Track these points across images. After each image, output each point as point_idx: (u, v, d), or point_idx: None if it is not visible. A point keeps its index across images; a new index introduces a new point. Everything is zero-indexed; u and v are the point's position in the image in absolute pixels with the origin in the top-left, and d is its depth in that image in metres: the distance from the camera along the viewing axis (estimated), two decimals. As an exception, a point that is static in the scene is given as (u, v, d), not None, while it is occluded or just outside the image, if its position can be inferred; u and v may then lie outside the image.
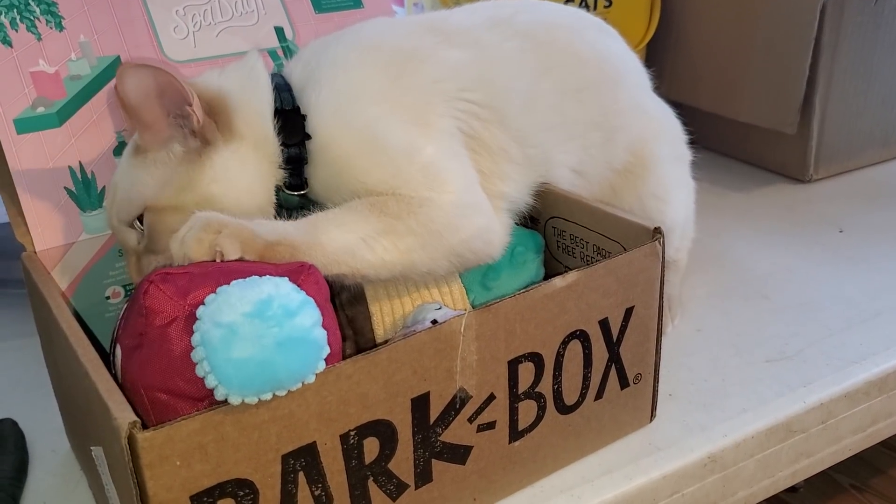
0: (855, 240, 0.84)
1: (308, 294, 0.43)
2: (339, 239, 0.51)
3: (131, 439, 0.38)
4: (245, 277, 0.43)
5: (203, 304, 0.41)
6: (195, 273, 0.45)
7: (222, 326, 0.39)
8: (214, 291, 0.42)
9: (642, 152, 0.67)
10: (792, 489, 1.82)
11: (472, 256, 0.55)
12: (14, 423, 0.61)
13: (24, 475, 0.58)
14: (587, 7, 0.96)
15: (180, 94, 0.51)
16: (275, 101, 0.55)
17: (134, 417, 0.38)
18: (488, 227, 0.56)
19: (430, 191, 0.54)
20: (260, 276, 0.43)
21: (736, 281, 0.77)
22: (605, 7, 0.97)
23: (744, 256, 0.82)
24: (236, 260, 0.47)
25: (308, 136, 0.55)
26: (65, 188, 0.58)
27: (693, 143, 1.07)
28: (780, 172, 0.99)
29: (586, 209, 0.59)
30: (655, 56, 1.05)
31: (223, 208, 0.51)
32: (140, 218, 0.53)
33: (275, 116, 0.55)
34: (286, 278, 0.43)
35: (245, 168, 0.54)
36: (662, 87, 1.07)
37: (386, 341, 0.47)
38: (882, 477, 1.82)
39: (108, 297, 0.60)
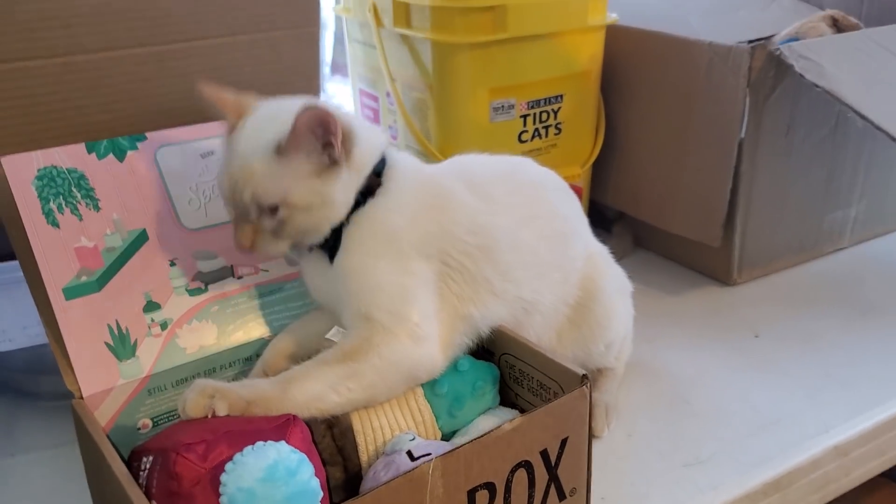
0: (767, 345, 0.98)
1: (297, 444, 0.56)
2: (309, 390, 0.66)
3: (179, 579, 0.51)
4: (246, 435, 0.56)
5: (224, 471, 0.54)
6: (210, 440, 0.58)
7: (243, 490, 0.53)
8: (227, 454, 0.55)
9: (590, 288, 0.81)
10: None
11: (423, 377, 0.71)
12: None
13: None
14: (540, 136, 1.10)
15: (331, 128, 0.66)
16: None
17: (182, 563, 0.51)
18: (433, 357, 0.71)
19: (392, 323, 0.69)
20: (257, 431, 0.56)
21: (664, 386, 0.91)
22: (556, 134, 1.11)
23: (672, 362, 0.95)
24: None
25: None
26: (104, 343, 0.71)
27: (638, 244, 1.23)
28: (710, 275, 1.13)
29: (530, 351, 0.73)
30: (601, 173, 1.19)
31: (334, 215, 0.69)
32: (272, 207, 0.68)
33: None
34: (283, 441, 0.56)
35: (349, 189, 0.70)
36: (608, 198, 1.22)
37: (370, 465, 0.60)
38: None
39: (139, 429, 0.72)
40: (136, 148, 0.76)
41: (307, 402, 0.66)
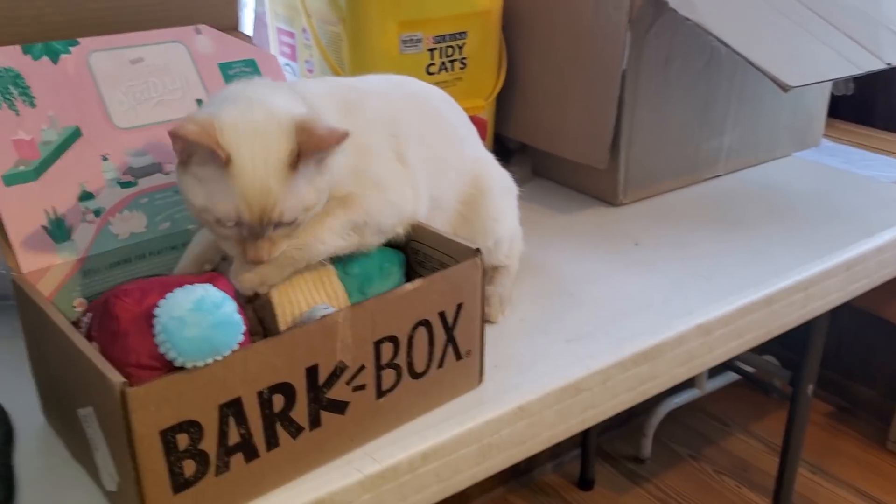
0: (645, 251, 1.10)
1: (222, 289, 0.65)
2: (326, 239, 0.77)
3: (123, 393, 0.59)
4: (176, 285, 0.64)
5: (157, 305, 0.62)
6: (144, 288, 0.66)
7: (175, 319, 0.61)
8: (160, 297, 0.63)
9: (480, 187, 0.91)
10: (640, 460, 2.12)
11: (408, 214, 0.82)
12: (-2, 402, 0.79)
13: (12, 443, 0.77)
14: (447, 69, 1.20)
15: (330, 143, 0.70)
16: None
17: (124, 379, 0.59)
18: (414, 209, 0.83)
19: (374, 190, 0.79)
20: (185, 281, 0.64)
21: (553, 283, 1.02)
22: (461, 68, 1.21)
23: (561, 264, 1.06)
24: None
25: None
26: (42, 226, 0.77)
27: (534, 174, 1.34)
28: (598, 197, 1.25)
29: (431, 235, 0.82)
30: (503, 105, 1.29)
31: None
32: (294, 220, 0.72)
33: None
34: (209, 284, 0.65)
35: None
36: (509, 130, 1.33)
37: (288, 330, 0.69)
38: (713, 446, 2.15)
39: (75, 306, 0.79)
40: (69, 52, 0.82)
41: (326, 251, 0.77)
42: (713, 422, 2.23)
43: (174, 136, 0.67)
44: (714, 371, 2.19)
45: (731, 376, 2.23)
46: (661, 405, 2.09)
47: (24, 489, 0.71)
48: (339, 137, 0.70)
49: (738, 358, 1.84)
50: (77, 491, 0.71)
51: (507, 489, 2.02)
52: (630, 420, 2.20)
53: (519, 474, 2.04)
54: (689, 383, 2.17)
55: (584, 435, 1.98)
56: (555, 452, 2.09)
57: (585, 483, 2.03)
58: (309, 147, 0.69)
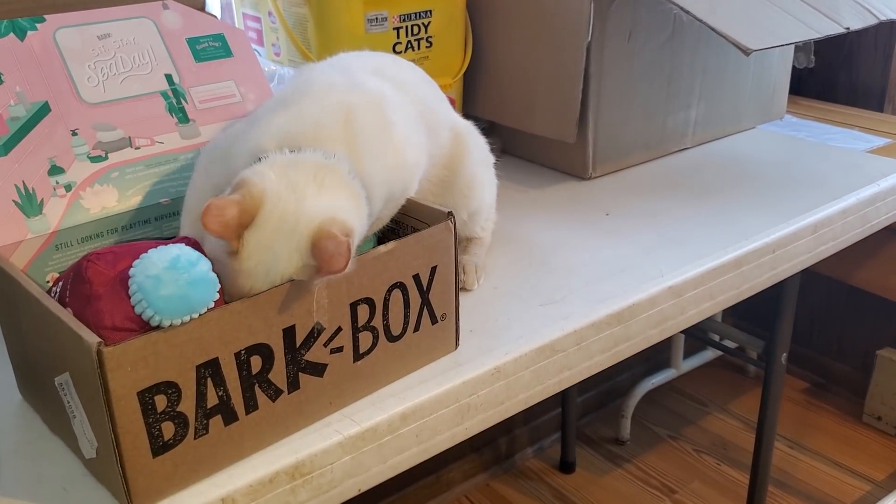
0: (616, 220, 1.11)
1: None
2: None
3: (99, 353, 0.59)
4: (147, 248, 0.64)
5: (132, 266, 0.62)
6: (117, 252, 0.67)
7: (151, 277, 0.61)
8: (133, 260, 0.63)
9: (457, 155, 0.92)
10: (620, 442, 2.14)
11: None
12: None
13: (-12, 418, 0.77)
14: (413, 48, 1.21)
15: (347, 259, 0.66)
16: None
17: (99, 339, 0.59)
18: None
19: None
20: (157, 244, 0.65)
21: (526, 253, 1.03)
22: (427, 47, 1.22)
23: (533, 235, 1.07)
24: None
25: None
26: (13, 201, 0.77)
27: (504, 152, 1.35)
28: (568, 172, 1.26)
29: (406, 201, 0.83)
30: (470, 84, 1.31)
31: None
32: None
33: None
34: (183, 244, 0.65)
35: None
36: (478, 109, 1.34)
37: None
38: (691, 426, 2.18)
39: (48, 281, 0.79)
40: (35, 29, 0.82)
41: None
42: (691, 402, 2.25)
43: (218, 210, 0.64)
44: (690, 350, 2.22)
45: (707, 355, 2.26)
46: (638, 386, 2.11)
47: (3, 464, 0.70)
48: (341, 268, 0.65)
49: (712, 330, 1.86)
50: (56, 463, 0.71)
51: (489, 475, 2.03)
52: (608, 402, 2.22)
53: (500, 460, 2.04)
54: (665, 363, 2.19)
55: (564, 418, 1.99)
56: (535, 437, 2.10)
57: (567, 466, 2.04)
58: (315, 272, 0.67)
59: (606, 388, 2.20)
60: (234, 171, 0.69)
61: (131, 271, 0.62)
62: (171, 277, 0.61)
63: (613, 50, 1.18)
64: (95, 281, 0.64)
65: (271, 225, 0.66)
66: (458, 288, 0.82)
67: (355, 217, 0.71)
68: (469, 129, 0.97)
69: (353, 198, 0.72)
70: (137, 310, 0.61)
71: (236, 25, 1.32)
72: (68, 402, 0.67)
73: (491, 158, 1.00)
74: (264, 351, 0.68)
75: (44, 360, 0.70)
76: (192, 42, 0.90)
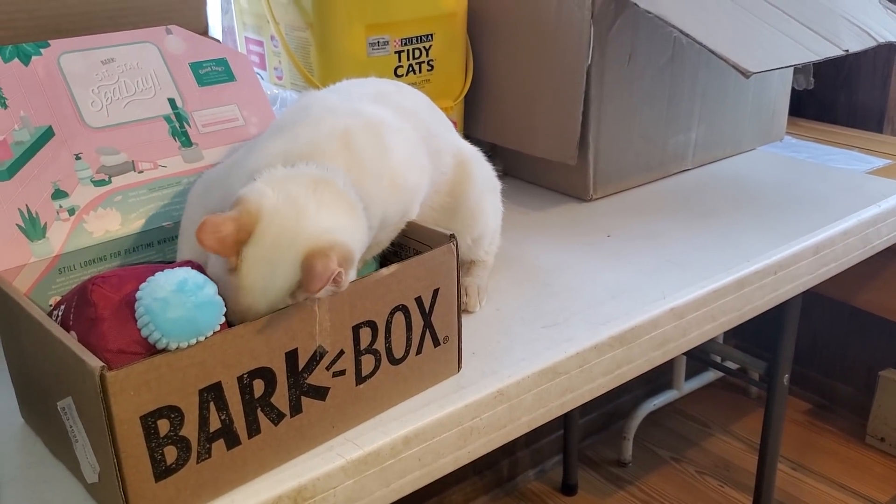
0: (617, 242, 1.11)
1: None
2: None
3: (102, 377, 0.59)
4: (152, 274, 0.64)
5: (139, 289, 0.63)
6: (122, 275, 0.67)
7: (158, 300, 0.61)
8: (138, 284, 0.63)
9: (461, 181, 0.92)
10: (622, 464, 2.13)
11: None
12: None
13: (-10, 443, 0.77)
14: (414, 71, 1.21)
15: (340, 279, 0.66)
16: None
17: (102, 363, 0.59)
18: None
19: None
20: (162, 268, 0.65)
21: (528, 274, 1.03)
22: (429, 71, 1.23)
23: (535, 257, 1.07)
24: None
25: None
26: (16, 224, 0.78)
27: (505, 174, 1.35)
28: (569, 194, 1.26)
29: (408, 224, 0.84)
30: (471, 107, 1.31)
31: None
32: None
33: None
34: (189, 267, 0.65)
35: None
36: (479, 132, 1.34)
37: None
38: (694, 447, 2.17)
39: (51, 305, 0.79)
40: (40, 54, 0.83)
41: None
42: (693, 423, 2.24)
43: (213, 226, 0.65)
44: (691, 372, 2.21)
45: (709, 377, 2.25)
46: (640, 407, 2.10)
47: (4, 489, 0.70)
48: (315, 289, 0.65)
49: (713, 351, 1.86)
50: (58, 487, 0.71)
51: (491, 498, 2.02)
52: (610, 424, 2.21)
53: (502, 482, 2.03)
54: (667, 384, 2.18)
55: (566, 440, 1.99)
56: (537, 459, 2.09)
57: (569, 489, 2.03)
58: (304, 289, 0.66)
59: (608, 409, 2.19)
60: (231, 195, 0.70)
61: (138, 294, 0.62)
62: (179, 300, 0.61)
63: (614, 73, 1.18)
64: (101, 304, 0.64)
65: (269, 239, 0.66)
66: (461, 310, 0.82)
67: (355, 233, 0.71)
68: (474, 156, 0.97)
69: (352, 211, 0.72)
70: (144, 332, 0.61)
71: (239, 49, 1.33)
72: (70, 427, 0.67)
73: (497, 185, 1.00)
74: (267, 374, 0.68)
75: (46, 384, 0.70)
76: (195, 66, 0.91)
